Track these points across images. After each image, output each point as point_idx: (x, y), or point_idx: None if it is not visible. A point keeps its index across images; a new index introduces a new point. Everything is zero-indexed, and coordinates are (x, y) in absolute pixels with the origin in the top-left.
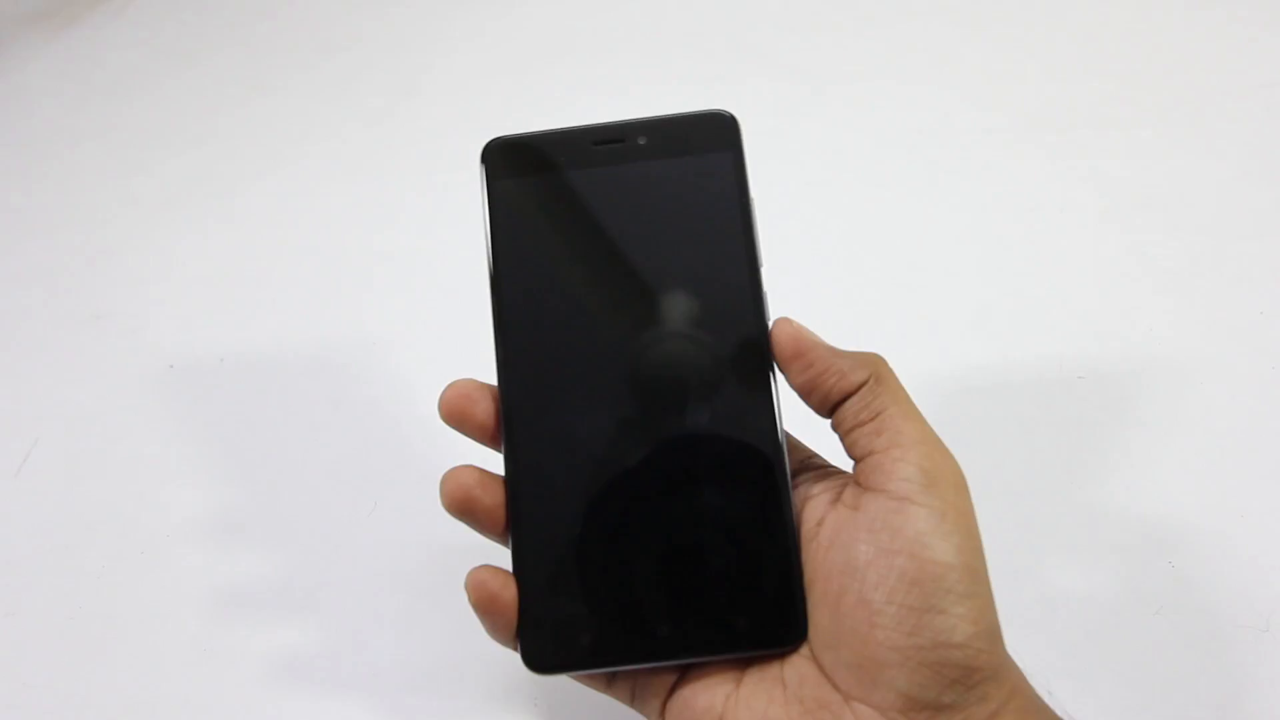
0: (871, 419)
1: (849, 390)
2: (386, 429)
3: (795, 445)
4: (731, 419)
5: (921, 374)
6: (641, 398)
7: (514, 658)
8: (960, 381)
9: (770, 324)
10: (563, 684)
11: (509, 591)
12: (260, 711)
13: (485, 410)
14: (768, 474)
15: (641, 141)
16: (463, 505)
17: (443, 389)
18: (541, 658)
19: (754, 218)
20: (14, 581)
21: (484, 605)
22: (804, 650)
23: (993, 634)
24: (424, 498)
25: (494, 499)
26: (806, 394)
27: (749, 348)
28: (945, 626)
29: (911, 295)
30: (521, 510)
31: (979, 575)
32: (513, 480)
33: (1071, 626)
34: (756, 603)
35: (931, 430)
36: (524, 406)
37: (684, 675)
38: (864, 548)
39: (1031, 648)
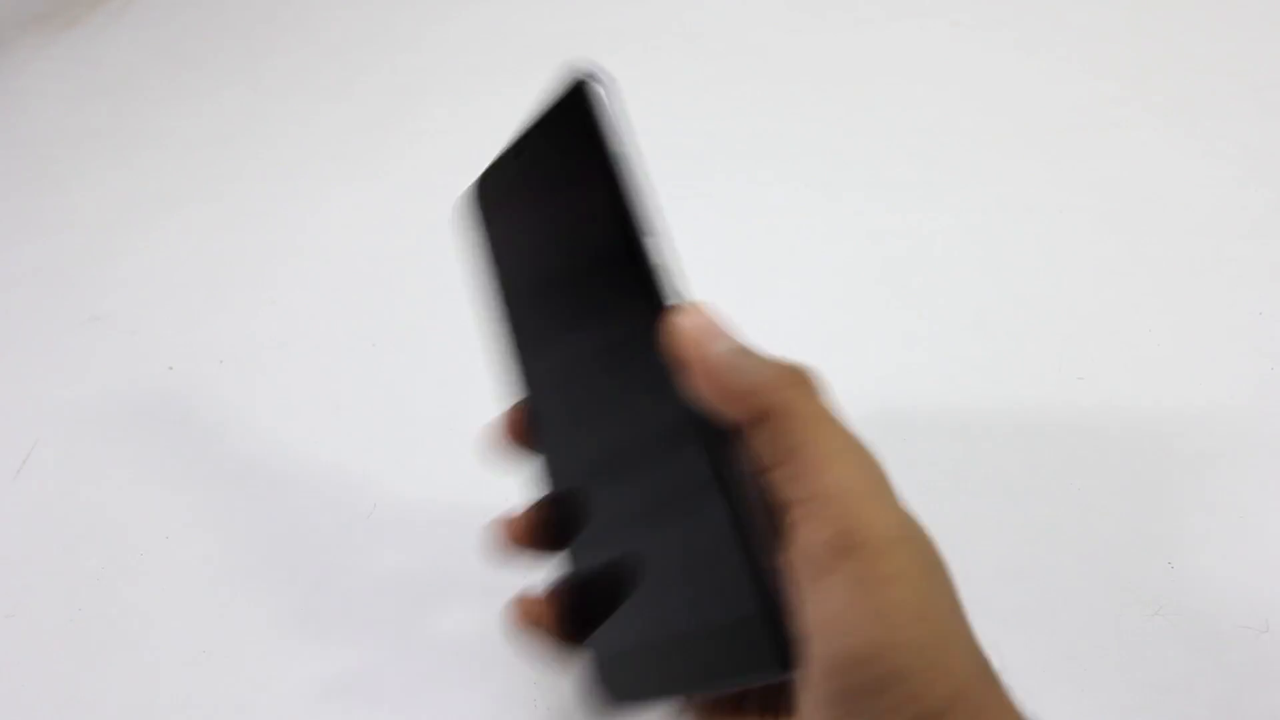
0: (785, 461)
1: (746, 417)
2: (386, 429)
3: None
4: (655, 437)
5: (921, 375)
6: (587, 426)
7: (515, 657)
8: (960, 382)
9: (671, 301)
10: (561, 684)
11: (548, 616)
12: (259, 712)
13: (550, 611)
14: (706, 489)
15: (530, 139)
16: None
17: (490, 426)
18: (605, 693)
19: (631, 187)
20: (14, 582)
21: (526, 632)
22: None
23: (952, 702)
24: (423, 498)
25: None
26: (702, 404)
27: (648, 345)
28: (882, 711)
29: (911, 296)
30: (571, 553)
31: (921, 647)
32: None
33: (1071, 626)
34: (729, 629)
35: (861, 473)
36: (540, 440)
37: (720, 711)
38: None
39: (1031, 648)
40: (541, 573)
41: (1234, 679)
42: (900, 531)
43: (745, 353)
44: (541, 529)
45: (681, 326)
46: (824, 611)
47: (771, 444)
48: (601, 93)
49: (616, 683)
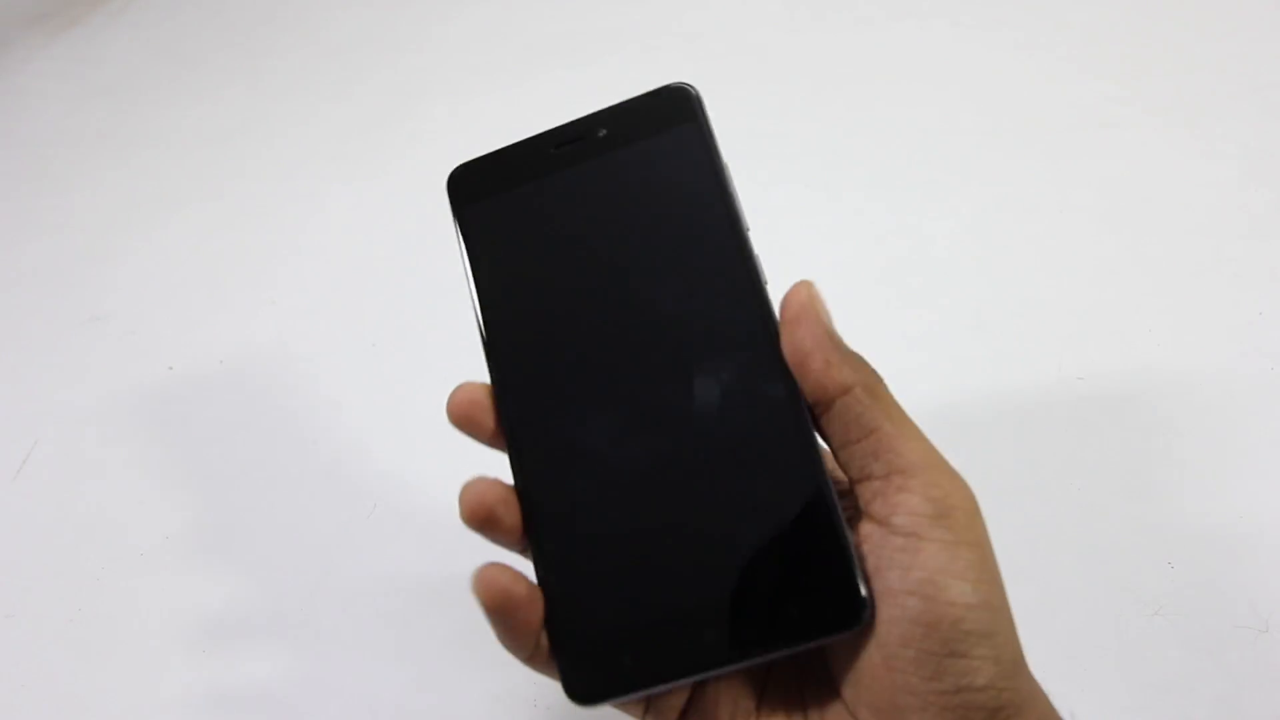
0: (864, 437)
1: (830, 386)
2: (386, 430)
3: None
4: (744, 395)
5: (921, 375)
6: (648, 392)
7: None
8: (960, 382)
9: (766, 288)
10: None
11: (522, 586)
12: (259, 713)
13: (493, 417)
14: (792, 445)
15: (602, 134)
16: (483, 520)
17: (450, 392)
18: (588, 687)
19: (730, 184)
20: (14, 583)
21: (497, 607)
22: (828, 679)
23: (1017, 668)
24: (423, 499)
25: (516, 512)
26: (794, 366)
27: (751, 319)
28: (967, 670)
29: (911, 296)
30: (541, 527)
31: (998, 609)
32: (526, 493)
33: (1071, 626)
34: (806, 585)
35: (935, 451)
36: (527, 419)
37: (695, 698)
38: (873, 586)
39: (1031, 648)
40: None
41: (1234, 679)
42: (976, 503)
43: (834, 334)
44: (524, 513)
45: (795, 296)
46: (919, 574)
47: (851, 420)
48: (704, 104)
49: (613, 668)
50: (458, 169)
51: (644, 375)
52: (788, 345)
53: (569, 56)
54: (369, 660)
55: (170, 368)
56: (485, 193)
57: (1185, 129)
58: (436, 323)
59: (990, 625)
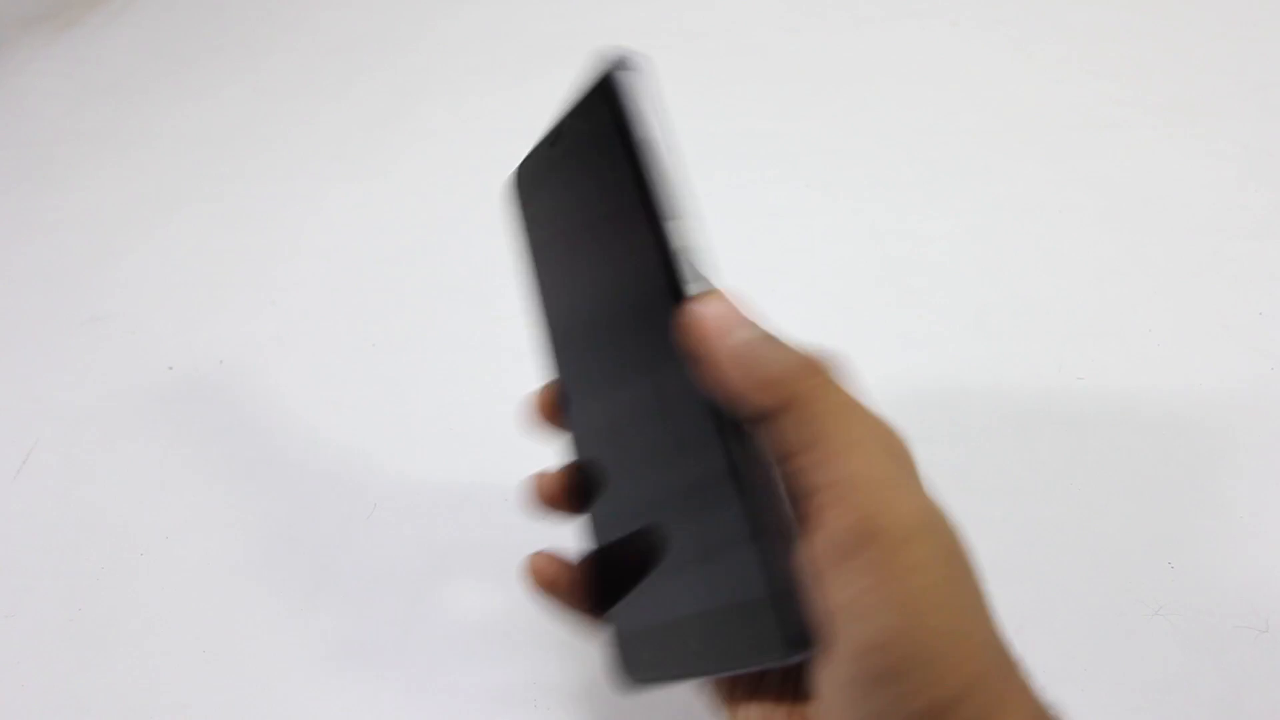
0: (800, 451)
1: (762, 409)
2: (386, 430)
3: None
4: (671, 408)
5: (921, 375)
6: (611, 398)
7: (514, 658)
8: (960, 382)
9: (691, 285)
10: (562, 685)
11: (566, 576)
12: (259, 712)
13: (569, 576)
14: (720, 465)
15: (572, 125)
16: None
17: (532, 397)
18: (626, 674)
19: (654, 172)
20: (14, 582)
21: (544, 592)
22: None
23: (970, 686)
24: (424, 498)
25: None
26: (718, 399)
27: (667, 325)
28: (901, 695)
29: (911, 296)
30: (589, 524)
31: (931, 634)
32: (580, 486)
33: (1071, 626)
34: (744, 612)
35: (879, 463)
36: (572, 418)
37: (740, 690)
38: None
39: (1032, 648)
40: (565, 535)
41: (1234, 679)
42: (922, 519)
43: (767, 340)
44: (569, 492)
45: (701, 315)
46: (843, 597)
47: (794, 432)
48: (628, 78)
49: (636, 662)
50: (520, 166)
51: (606, 381)
52: (705, 377)
53: (569, 56)
54: (369, 660)
55: (170, 368)
56: (530, 189)
57: (1185, 129)
58: (436, 323)
59: (921, 652)
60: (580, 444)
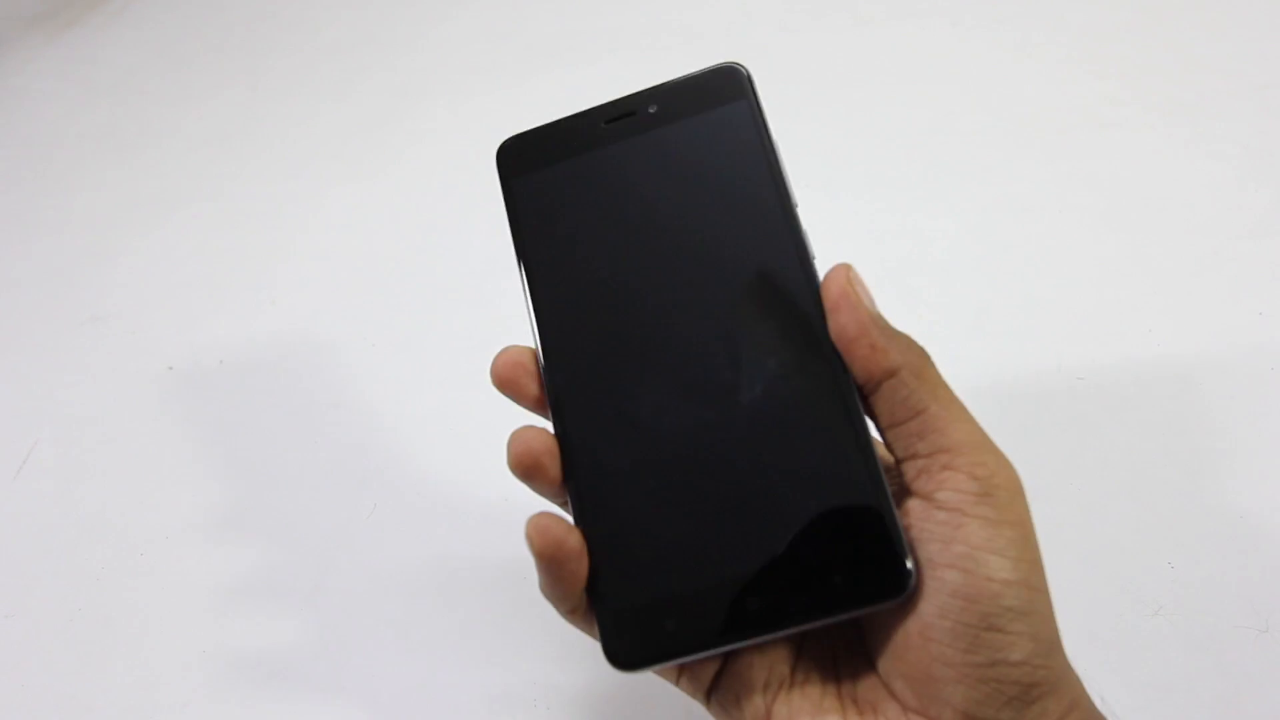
0: (911, 417)
1: (876, 370)
2: (386, 429)
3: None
4: (792, 371)
5: None
6: (695, 364)
7: (514, 658)
8: (960, 383)
9: (814, 263)
10: (562, 685)
11: (574, 538)
12: (259, 713)
13: (537, 382)
14: (839, 422)
15: (652, 110)
16: (529, 468)
17: (494, 355)
18: (629, 653)
19: (781, 162)
20: (14, 582)
21: (549, 555)
22: (861, 650)
23: (1052, 647)
24: (424, 498)
25: (559, 463)
26: (841, 350)
27: (799, 296)
28: (1003, 644)
29: (911, 296)
30: (585, 491)
31: (1037, 588)
32: (571, 457)
33: (1072, 626)
34: (852, 556)
35: (982, 431)
36: (574, 387)
37: (729, 664)
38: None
39: None
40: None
41: (1234, 679)
42: (1019, 483)
43: (878, 316)
44: (554, 458)
45: (835, 280)
46: (959, 548)
47: (899, 402)
48: (755, 84)
49: (652, 635)
50: (508, 140)
51: (691, 348)
52: (834, 330)
53: (569, 56)
54: (369, 660)
55: (170, 368)
56: (534, 165)
57: (1185, 129)
58: (436, 323)
59: (1028, 603)
60: (596, 423)
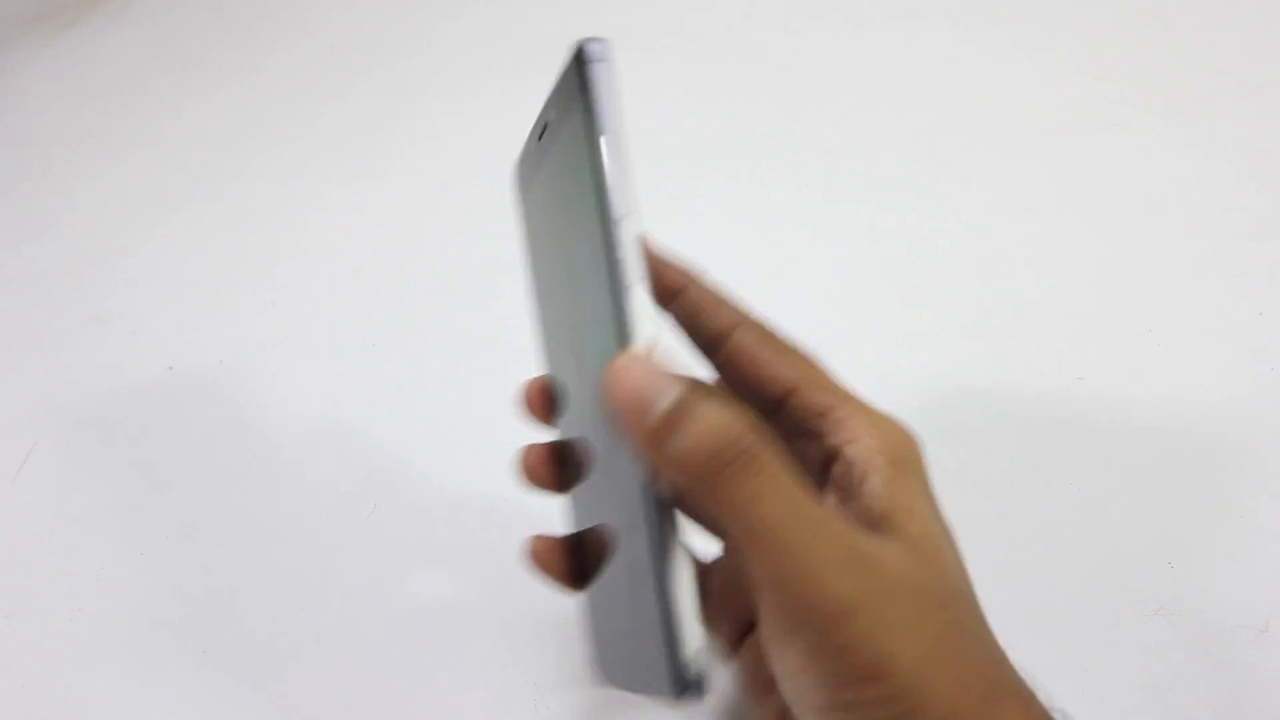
0: (732, 542)
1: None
2: (386, 430)
3: (775, 375)
4: (603, 425)
5: (921, 375)
6: (575, 410)
7: (514, 658)
8: (960, 383)
9: (625, 295)
10: (562, 685)
11: (560, 561)
12: (260, 713)
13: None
14: (637, 508)
15: (553, 116)
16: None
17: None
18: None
19: (603, 169)
20: (14, 582)
21: (540, 571)
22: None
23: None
24: (424, 498)
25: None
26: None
27: (607, 336)
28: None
29: (911, 296)
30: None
31: (921, 654)
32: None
33: (1071, 626)
34: (645, 645)
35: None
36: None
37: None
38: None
39: (1032, 648)
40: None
41: (1234, 679)
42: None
43: (686, 414)
44: (554, 468)
45: (618, 384)
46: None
47: (715, 512)
48: (596, 68)
49: (605, 660)
50: (519, 155)
51: (578, 380)
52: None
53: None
54: (369, 660)
55: (170, 368)
56: (525, 181)
57: (1185, 129)
58: (436, 323)
59: (901, 685)
60: (565, 430)
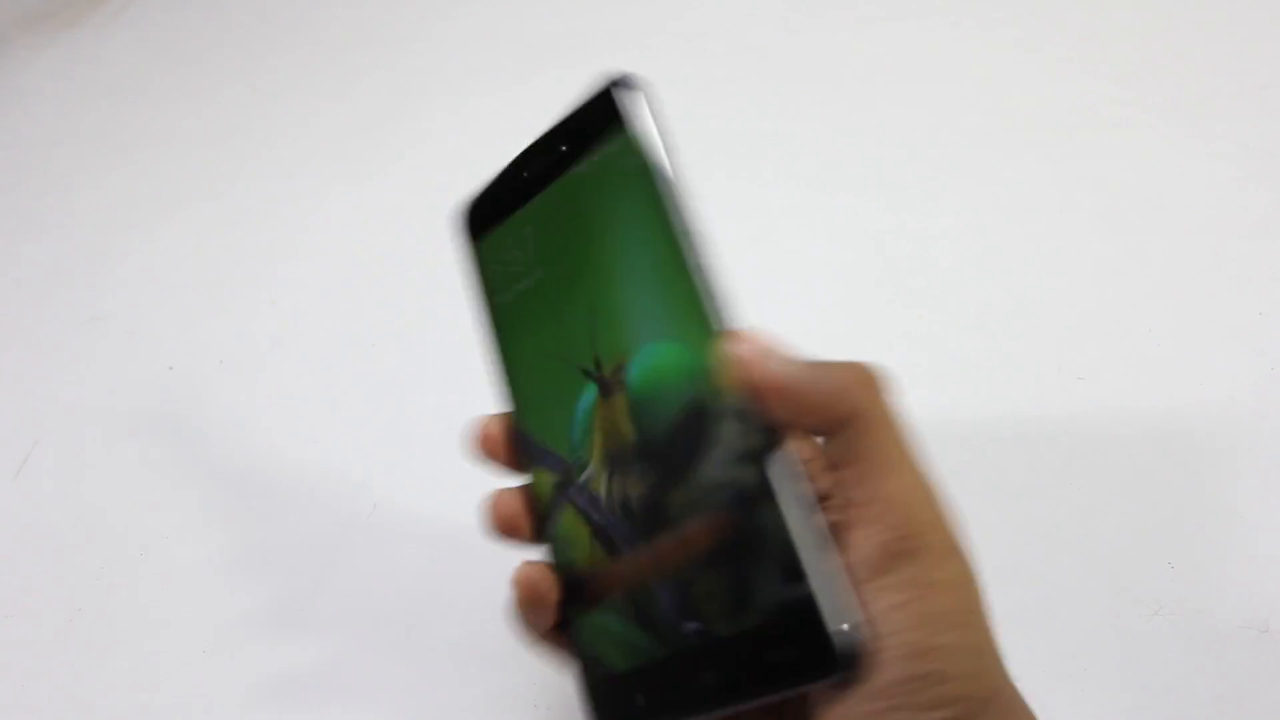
0: (848, 464)
1: (832, 428)
2: (386, 430)
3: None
4: (708, 434)
5: (921, 375)
6: (617, 438)
7: (514, 658)
8: (960, 382)
9: (718, 304)
10: (562, 685)
11: (555, 592)
12: (260, 712)
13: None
14: (762, 488)
15: (564, 149)
16: (508, 531)
17: (473, 425)
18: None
19: (671, 193)
20: (14, 582)
21: (530, 603)
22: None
23: (980, 707)
24: (423, 499)
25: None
26: (781, 429)
27: (703, 347)
28: (917, 705)
29: (911, 296)
30: (554, 550)
31: (957, 650)
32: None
33: (1071, 626)
34: (783, 633)
35: (918, 478)
36: (539, 450)
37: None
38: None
39: (1032, 648)
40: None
41: (1234, 679)
42: (954, 542)
43: (807, 366)
44: (531, 517)
45: (750, 357)
46: (873, 610)
47: (844, 449)
48: (642, 98)
49: (624, 706)
50: (468, 202)
51: (613, 424)
52: (773, 415)
53: (569, 56)
54: (369, 660)
55: (170, 368)
56: (485, 226)
57: (1185, 129)
58: (436, 323)
59: (941, 671)
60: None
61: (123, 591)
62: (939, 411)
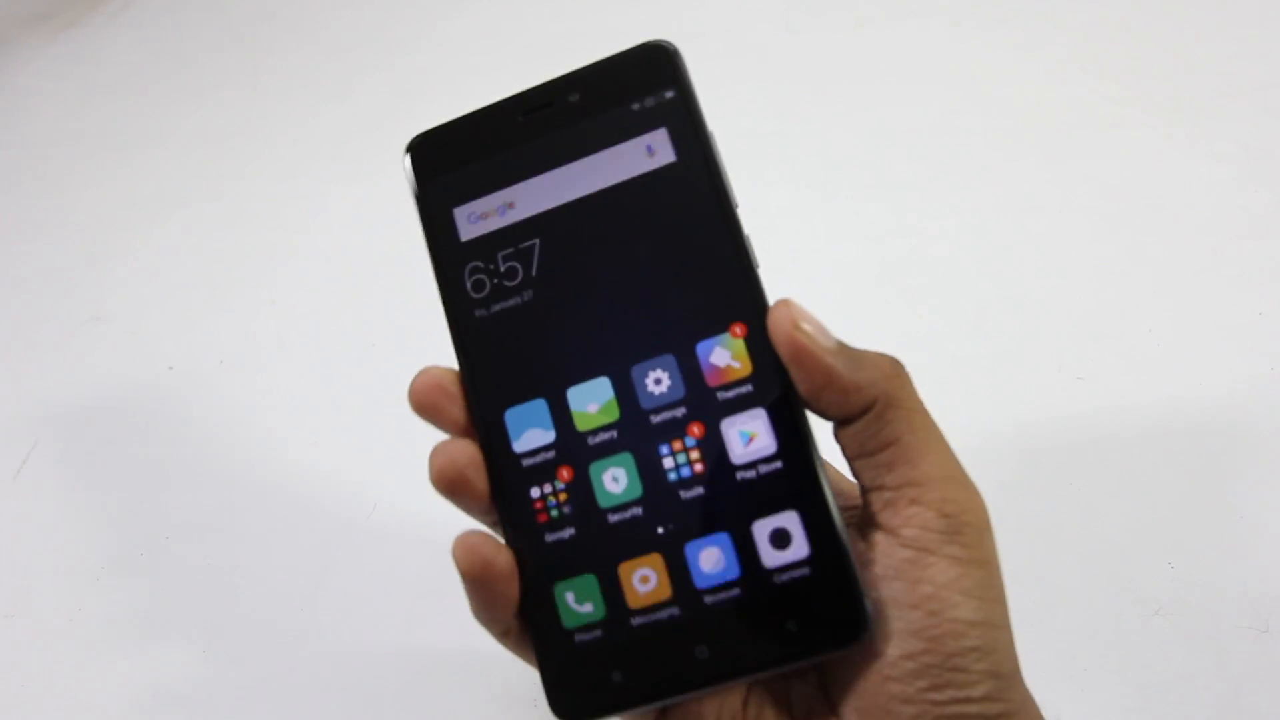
0: (881, 449)
1: (852, 412)
2: (386, 430)
3: None
4: (735, 398)
5: (921, 375)
6: (632, 387)
7: (514, 658)
8: (960, 382)
9: (758, 273)
10: None
11: (504, 558)
12: (260, 712)
13: (460, 406)
14: (790, 455)
15: (574, 99)
16: (452, 482)
17: (413, 377)
18: (576, 704)
19: (717, 156)
20: (14, 582)
21: (475, 576)
22: (815, 683)
23: (1012, 680)
24: (424, 498)
25: (485, 478)
26: (809, 401)
27: (744, 309)
28: (965, 682)
29: (911, 296)
30: (519, 533)
31: (1000, 625)
32: (503, 493)
33: (1071, 626)
34: (806, 600)
35: (953, 461)
36: (500, 412)
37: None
38: (877, 597)
39: (1032, 648)
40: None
41: (1234, 679)
42: (988, 519)
43: (837, 351)
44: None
45: (783, 333)
46: (925, 589)
47: (870, 435)
48: (686, 67)
49: (599, 684)
50: (417, 139)
51: (628, 368)
52: (800, 385)
53: (569, 56)
54: (369, 660)
55: (170, 368)
56: (449, 166)
57: (1185, 129)
58: (437, 323)
59: (992, 641)
60: (530, 452)
61: (123, 591)
62: (939, 411)
